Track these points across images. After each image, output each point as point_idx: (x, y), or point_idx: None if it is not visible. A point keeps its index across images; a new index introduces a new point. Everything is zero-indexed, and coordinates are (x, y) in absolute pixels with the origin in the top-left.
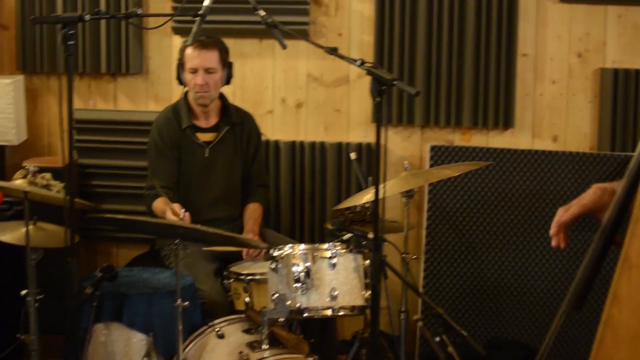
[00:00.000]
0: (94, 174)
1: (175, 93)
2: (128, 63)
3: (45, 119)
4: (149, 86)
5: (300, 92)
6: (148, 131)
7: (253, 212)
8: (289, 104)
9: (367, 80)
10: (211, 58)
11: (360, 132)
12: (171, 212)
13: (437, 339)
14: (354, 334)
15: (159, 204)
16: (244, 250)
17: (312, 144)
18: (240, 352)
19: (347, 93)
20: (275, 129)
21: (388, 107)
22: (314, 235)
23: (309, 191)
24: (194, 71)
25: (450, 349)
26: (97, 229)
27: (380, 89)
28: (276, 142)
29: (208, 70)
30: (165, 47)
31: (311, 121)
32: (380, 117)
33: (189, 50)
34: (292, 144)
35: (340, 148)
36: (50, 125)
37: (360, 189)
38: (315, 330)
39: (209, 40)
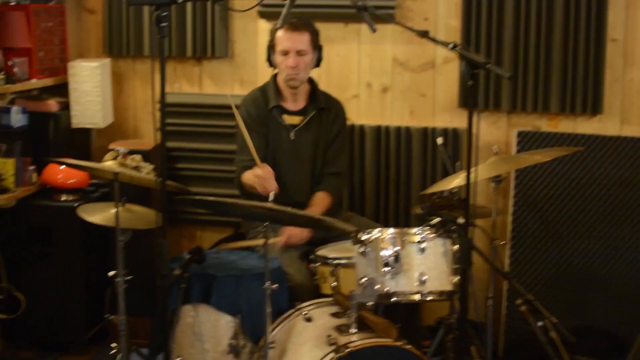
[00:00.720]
0: (179, 156)
1: (261, 76)
2: (214, 46)
3: (131, 102)
4: (234, 70)
5: (386, 76)
6: (233, 115)
7: (319, 201)
8: (375, 88)
9: (453, 65)
10: (302, 40)
11: (446, 117)
12: (258, 169)
13: (540, 323)
14: (437, 319)
15: (248, 173)
16: (284, 238)
17: (398, 129)
18: (329, 336)
19: (432, 78)
20: (360, 113)
21: (470, 93)
22: (398, 219)
23: (394, 176)
24: (285, 53)
25: (552, 334)
26: (182, 211)
27: (472, 72)
28: (361, 127)
29: (299, 53)
30: (251, 30)
31: (396, 106)
32: (472, 101)
33: (280, 33)
34: (377, 129)
35: (426, 133)
36: (136, 108)
37: (445, 174)
38: (400, 315)
39: (301, 22)
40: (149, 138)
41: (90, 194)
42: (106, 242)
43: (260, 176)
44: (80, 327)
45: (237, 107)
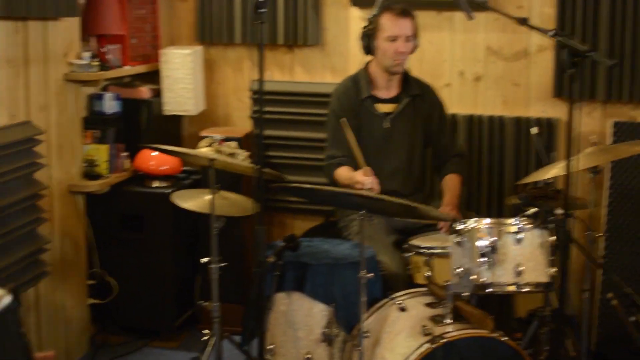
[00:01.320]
0: (270, 144)
1: (352, 65)
2: (305, 34)
3: (222, 90)
4: (326, 58)
5: (479, 65)
6: (324, 103)
7: (450, 183)
8: (467, 77)
9: (547, 53)
10: (409, 26)
11: (540, 107)
12: (361, 174)
13: (633, 318)
14: (529, 311)
15: (344, 171)
16: (440, 224)
17: (490, 118)
18: (424, 326)
19: (526, 66)
20: (452, 102)
21: (570, 82)
22: (490, 209)
23: (487, 165)
24: (394, 39)
25: None
26: (274, 199)
27: (573, 60)
28: (453, 116)
29: (407, 39)
30: (342, 18)
31: (489, 95)
32: (572, 90)
33: (385, 19)
34: (470, 118)
35: (519, 122)
36: (227, 95)
37: (538, 164)
38: (492, 306)
39: (406, 8)
40: (240, 125)
41: (181, 180)
42: (196, 229)
43: (360, 183)
44: (170, 313)
45: (328, 95)
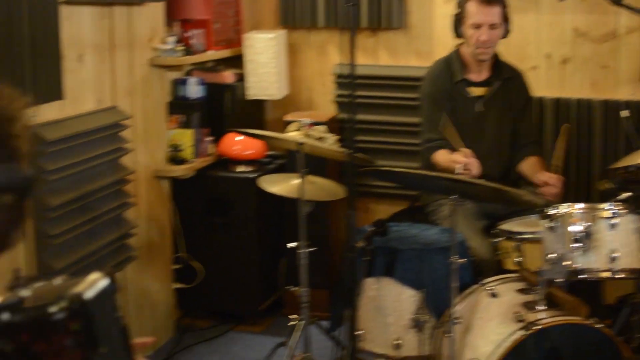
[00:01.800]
0: (354, 128)
1: (437, 48)
2: (389, 18)
3: (305, 74)
4: (410, 41)
5: (566, 47)
6: (408, 87)
7: (534, 165)
8: (554, 59)
9: (637, 35)
10: (495, 13)
11: (629, 90)
12: (460, 155)
13: None
14: (619, 298)
15: (442, 154)
16: (544, 190)
17: (578, 101)
18: (516, 312)
19: (615, 48)
20: (539, 85)
21: None
22: (578, 194)
23: (574, 149)
24: (478, 27)
25: None
26: (358, 183)
27: None
28: (540, 99)
29: (492, 26)
30: (427, 1)
31: (577, 77)
32: None
33: (471, 5)
34: (557, 101)
35: (607, 105)
36: (310, 80)
37: (628, 147)
38: (580, 292)
39: None
40: (324, 110)
41: (266, 165)
42: (281, 214)
43: (461, 162)
44: (255, 297)
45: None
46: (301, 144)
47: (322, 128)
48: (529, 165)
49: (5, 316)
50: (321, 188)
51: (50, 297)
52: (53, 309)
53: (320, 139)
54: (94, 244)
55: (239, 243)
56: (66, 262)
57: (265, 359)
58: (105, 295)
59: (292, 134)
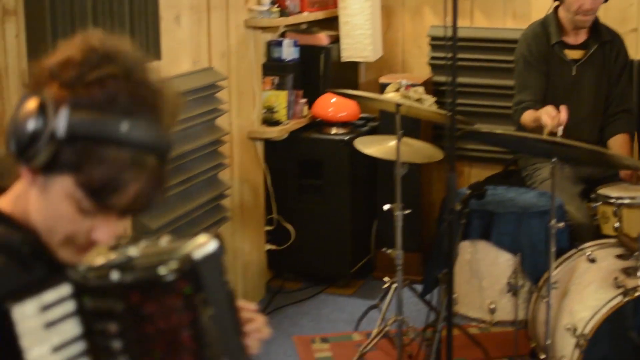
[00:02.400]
0: (455, 91)
1: (535, 10)
2: None
3: (400, 36)
4: (507, 3)
5: None
6: (505, 49)
7: (621, 145)
8: None
9: None
10: None
11: None
12: (546, 114)
13: None
14: None
15: (529, 114)
16: (622, 173)
17: None
18: (615, 278)
19: None
20: (639, 48)
21: None
22: None
23: None
24: None
25: None
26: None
27: None
28: None
29: None
30: None
31: None
32: None
33: None
34: None
35: None
36: (405, 42)
37: None
38: None
39: None
40: (418, 72)
41: (359, 127)
42: (374, 176)
43: (547, 115)
44: (346, 260)
45: (509, 41)
46: (399, 105)
47: (420, 89)
48: (617, 147)
49: (115, 275)
50: (417, 150)
51: (159, 258)
52: (164, 270)
53: (418, 100)
54: (189, 204)
55: (331, 205)
56: (162, 222)
57: (357, 322)
58: (214, 257)
59: (391, 95)
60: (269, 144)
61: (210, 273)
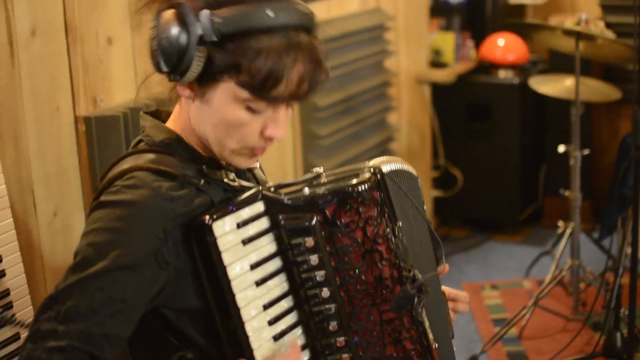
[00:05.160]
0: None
1: None
2: None
3: None
4: None
5: None
6: None
7: None
8: None
9: None
10: None
11: None
12: None
13: None
14: None
15: None
16: None
17: None
18: None
19: None
20: None
21: None
22: None
23: None
24: None
25: None
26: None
27: None
28: None
29: None
30: None
31: None
32: None
33: None
34: None
35: None
36: None
37: None
38: None
39: None
40: (587, 13)
41: (528, 70)
42: (542, 120)
43: None
44: (514, 206)
45: None
46: (579, 35)
47: (601, 24)
48: None
49: (307, 190)
50: (593, 90)
51: (348, 174)
52: (357, 180)
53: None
54: (357, 146)
55: (499, 150)
56: (331, 164)
57: (527, 269)
58: (401, 173)
59: (572, 26)
60: (437, 88)
61: (399, 185)
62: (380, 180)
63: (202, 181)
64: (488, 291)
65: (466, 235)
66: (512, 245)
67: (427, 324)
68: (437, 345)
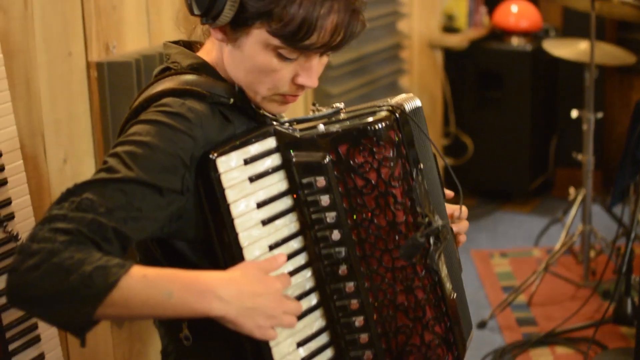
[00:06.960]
0: None
1: None
2: None
3: None
4: None
5: None
6: None
7: None
8: None
9: None
10: None
11: None
12: None
13: None
14: None
15: None
16: None
17: None
18: None
19: None
20: None
21: None
22: None
23: None
24: None
25: None
26: None
27: None
28: None
29: None
30: None
31: None
32: None
33: None
34: None
35: None
36: None
37: None
38: None
39: None
40: None
41: (540, 38)
42: (555, 88)
43: None
44: (524, 176)
45: None
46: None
47: None
48: None
49: (322, 127)
50: (607, 53)
51: (366, 111)
52: (373, 119)
53: None
54: None
55: (510, 119)
56: None
57: (537, 237)
58: (420, 112)
59: None
60: (449, 54)
61: (418, 126)
62: (398, 119)
63: (232, 100)
64: (497, 259)
65: (474, 204)
66: (521, 215)
67: (444, 273)
68: (455, 294)
